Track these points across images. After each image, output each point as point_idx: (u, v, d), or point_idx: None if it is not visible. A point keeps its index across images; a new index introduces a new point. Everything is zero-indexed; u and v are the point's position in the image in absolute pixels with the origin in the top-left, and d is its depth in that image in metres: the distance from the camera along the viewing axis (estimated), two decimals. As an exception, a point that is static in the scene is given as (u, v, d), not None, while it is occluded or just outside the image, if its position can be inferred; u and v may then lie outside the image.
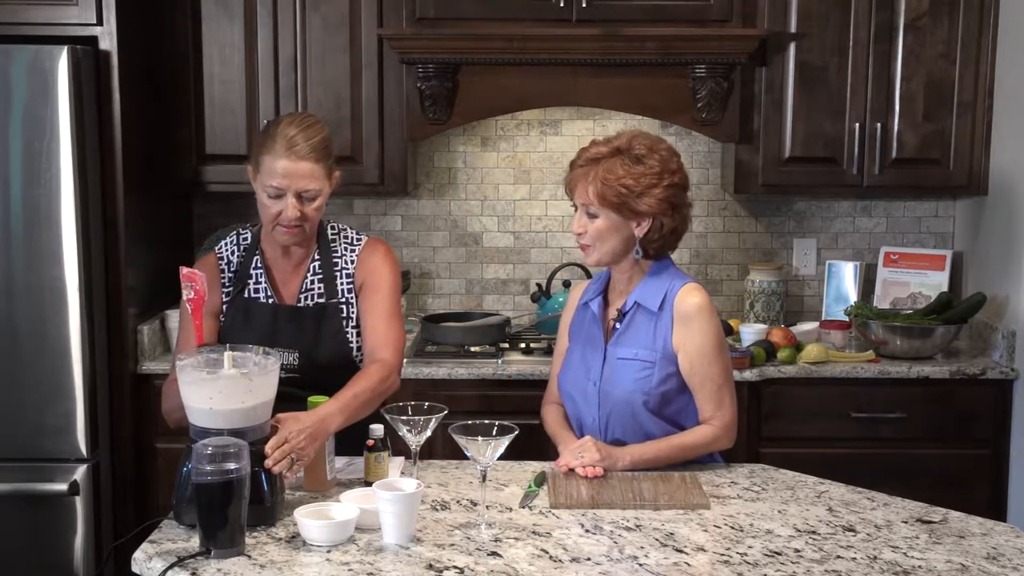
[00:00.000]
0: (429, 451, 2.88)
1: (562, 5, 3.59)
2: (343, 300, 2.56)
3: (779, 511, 2.24)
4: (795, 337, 3.64)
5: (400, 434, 2.25)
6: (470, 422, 2.13)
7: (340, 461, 2.43)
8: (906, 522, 2.19)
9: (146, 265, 3.57)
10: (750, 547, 2.05)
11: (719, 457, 2.58)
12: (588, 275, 3.79)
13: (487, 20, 3.60)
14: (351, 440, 2.41)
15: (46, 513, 3.24)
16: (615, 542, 2.06)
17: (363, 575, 1.91)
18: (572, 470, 2.39)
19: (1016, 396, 3.52)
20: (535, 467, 2.47)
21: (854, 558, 2.00)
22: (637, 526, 2.15)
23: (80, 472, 3.24)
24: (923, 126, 3.69)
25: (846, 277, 4.00)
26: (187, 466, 2.06)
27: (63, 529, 3.25)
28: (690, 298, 2.49)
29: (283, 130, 2.43)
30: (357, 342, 2.57)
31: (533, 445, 2.60)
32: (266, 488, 2.09)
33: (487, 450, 2.09)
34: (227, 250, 2.59)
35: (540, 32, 3.58)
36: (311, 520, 2.03)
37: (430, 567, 1.94)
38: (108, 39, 3.31)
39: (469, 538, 2.07)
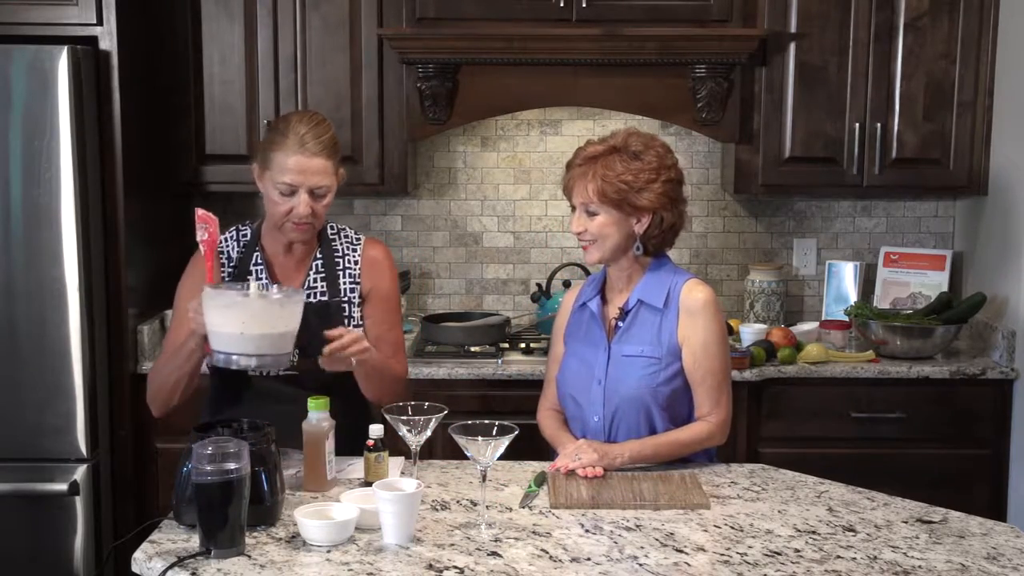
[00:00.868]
0: (429, 451, 2.89)
1: (562, 5, 3.59)
2: (345, 299, 2.56)
3: (779, 511, 2.24)
4: (795, 337, 3.64)
5: (400, 434, 2.24)
6: (470, 422, 2.13)
7: (340, 461, 2.43)
8: (906, 522, 2.19)
9: (146, 265, 3.57)
10: (750, 547, 2.05)
11: (712, 453, 2.59)
12: (588, 275, 3.78)
13: (487, 20, 3.60)
14: (351, 440, 2.41)
15: (46, 513, 3.24)
16: (615, 542, 2.06)
17: (363, 575, 1.91)
18: (572, 470, 2.39)
19: (1016, 396, 3.52)
20: (535, 467, 2.47)
21: (854, 558, 2.00)
22: (637, 526, 2.15)
23: (80, 472, 3.24)
24: (923, 126, 3.69)
25: (846, 277, 4.00)
26: (187, 466, 2.06)
27: (63, 529, 3.25)
28: (696, 293, 2.50)
29: (294, 127, 2.43)
30: (357, 342, 2.57)
31: (533, 445, 2.60)
32: (266, 488, 2.09)
33: (487, 450, 2.09)
34: (227, 245, 2.59)
35: (540, 32, 3.57)
36: (311, 520, 2.03)
37: (430, 567, 1.94)
38: (108, 39, 3.31)
39: (469, 538, 2.07)
